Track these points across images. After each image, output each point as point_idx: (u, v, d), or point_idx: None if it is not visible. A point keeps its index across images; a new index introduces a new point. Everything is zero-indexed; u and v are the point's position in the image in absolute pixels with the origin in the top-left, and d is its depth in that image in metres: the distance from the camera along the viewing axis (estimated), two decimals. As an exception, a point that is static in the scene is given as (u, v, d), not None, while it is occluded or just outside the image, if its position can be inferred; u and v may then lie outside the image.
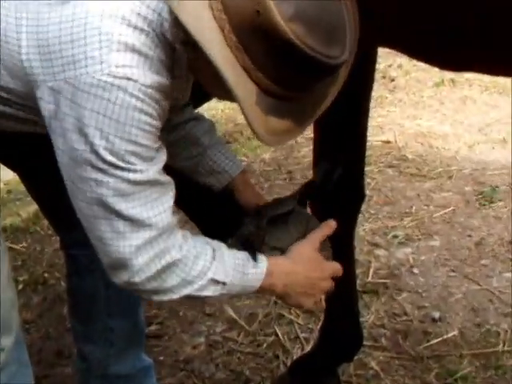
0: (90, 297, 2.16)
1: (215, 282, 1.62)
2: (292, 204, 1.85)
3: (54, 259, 3.46)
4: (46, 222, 3.60)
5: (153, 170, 1.51)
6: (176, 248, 1.57)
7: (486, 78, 5.08)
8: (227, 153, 1.93)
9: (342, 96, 2.17)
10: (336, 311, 2.59)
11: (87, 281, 2.13)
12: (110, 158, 1.45)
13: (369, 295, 3.13)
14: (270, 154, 4.45)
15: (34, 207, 3.62)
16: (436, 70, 5.35)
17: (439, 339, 2.86)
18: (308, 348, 2.82)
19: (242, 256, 1.67)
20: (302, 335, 2.93)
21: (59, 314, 3.10)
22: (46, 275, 3.38)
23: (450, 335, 2.88)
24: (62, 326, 3.01)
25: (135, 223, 1.52)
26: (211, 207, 1.89)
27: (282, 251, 1.77)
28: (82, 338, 2.23)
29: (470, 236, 3.53)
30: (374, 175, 4.05)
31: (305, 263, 1.75)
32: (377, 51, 2.22)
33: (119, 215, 1.51)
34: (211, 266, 1.61)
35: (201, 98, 2.22)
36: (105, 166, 1.46)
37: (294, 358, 2.78)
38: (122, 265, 1.55)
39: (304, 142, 4.57)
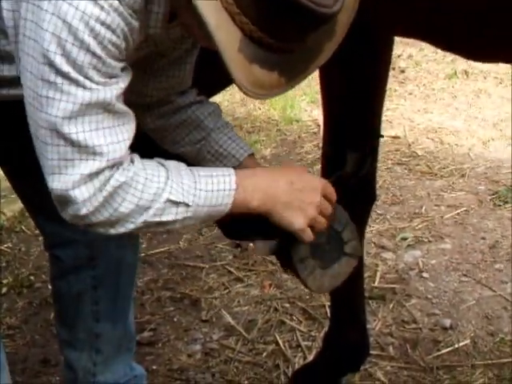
0: (76, 300, 2.14)
1: (174, 203, 1.57)
2: None
3: (40, 261, 3.45)
4: (32, 222, 3.58)
5: (109, 91, 1.47)
6: (119, 171, 1.53)
7: (502, 70, 5.07)
8: (234, 136, 1.89)
9: (354, 89, 2.19)
10: (341, 318, 2.58)
11: (72, 282, 2.11)
12: (66, 67, 1.42)
13: (375, 301, 3.12)
14: (270, 149, 4.45)
15: (19, 205, 3.60)
16: (448, 60, 5.41)
17: (450, 348, 2.86)
18: (310, 357, 2.81)
19: (204, 173, 1.62)
20: (304, 343, 2.91)
21: (46, 319, 3.09)
22: (31, 278, 3.37)
23: (461, 344, 2.87)
24: (49, 333, 3.00)
25: (84, 150, 1.49)
26: None
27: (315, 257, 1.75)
28: (66, 345, 2.22)
29: (483, 239, 3.52)
30: (381, 173, 4.03)
31: (284, 171, 1.68)
32: (393, 40, 2.20)
33: (67, 140, 1.48)
34: (165, 187, 1.56)
35: (212, 88, 2.21)
36: (58, 80, 1.43)
37: (296, 367, 2.77)
38: (66, 197, 1.52)
39: (307, 137, 4.57)
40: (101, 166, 1.50)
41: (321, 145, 2.41)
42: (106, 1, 1.40)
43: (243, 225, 1.77)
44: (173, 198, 1.57)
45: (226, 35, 1.39)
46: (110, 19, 1.41)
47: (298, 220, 1.65)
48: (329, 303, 2.81)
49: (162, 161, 1.61)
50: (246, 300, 3.17)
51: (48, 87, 1.44)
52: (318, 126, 4.58)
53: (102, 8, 1.40)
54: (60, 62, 1.42)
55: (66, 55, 1.42)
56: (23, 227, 3.72)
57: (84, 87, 1.44)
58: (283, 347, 2.90)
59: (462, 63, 5.27)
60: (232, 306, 3.14)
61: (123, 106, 1.53)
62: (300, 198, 1.65)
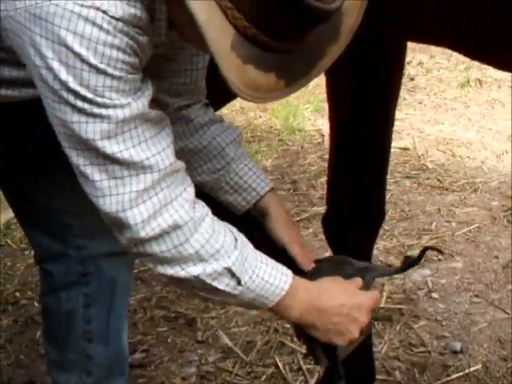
0: (66, 318, 2.16)
1: (231, 273, 1.60)
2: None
3: (26, 276, 3.46)
4: (18, 235, 3.61)
5: (139, 103, 1.51)
6: (184, 210, 1.56)
7: (518, 78, 5.09)
8: (254, 167, 1.91)
9: (363, 97, 2.21)
10: (344, 340, 2.60)
11: (63, 299, 2.13)
12: (89, 95, 1.45)
13: (382, 323, 3.12)
14: (272, 160, 4.46)
15: (4, 217, 3.62)
16: (461, 68, 5.43)
17: (460, 374, 2.86)
18: (312, 381, 2.82)
19: (266, 260, 1.66)
20: (305, 366, 2.92)
21: (31, 338, 3.10)
22: (17, 294, 3.37)
23: (472, 369, 2.88)
24: (35, 353, 3.01)
25: (132, 166, 1.52)
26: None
27: None
28: (55, 366, 2.23)
29: (496, 257, 3.53)
30: (389, 186, 4.03)
31: (336, 291, 1.74)
32: (406, 46, 2.22)
33: (113, 160, 1.51)
34: (231, 254, 1.60)
35: (219, 100, 2.24)
36: (86, 105, 1.46)
37: (297, 392, 2.79)
38: (122, 219, 1.55)
39: (311, 148, 4.58)
40: (154, 178, 1.54)
41: (325, 156, 2.44)
42: (110, 24, 1.42)
43: None
44: (233, 268, 1.60)
45: (217, 32, 1.38)
46: (117, 41, 1.44)
47: (334, 341, 1.76)
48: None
49: (232, 228, 1.65)
50: (245, 320, 3.18)
51: (78, 113, 1.48)
52: (322, 135, 4.59)
53: (107, 32, 1.43)
54: (82, 90, 1.45)
55: (86, 84, 1.45)
56: (8, 240, 3.72)
57: (114, 107, 1.48)
58: (283, 370, 2.91)
59: (475, 71, 5.30)
60: (229, 327, 3.15)
61: (156, 111, 1.56)
62: (344, 322, 1.74)
